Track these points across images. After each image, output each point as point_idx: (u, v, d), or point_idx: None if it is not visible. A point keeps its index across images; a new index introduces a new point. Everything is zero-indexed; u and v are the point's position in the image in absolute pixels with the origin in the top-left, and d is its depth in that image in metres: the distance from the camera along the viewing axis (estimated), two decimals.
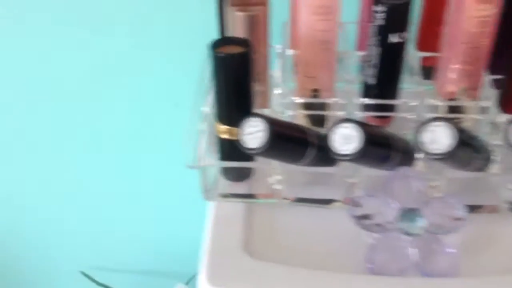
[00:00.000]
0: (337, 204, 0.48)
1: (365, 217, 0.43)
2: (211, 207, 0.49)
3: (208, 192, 0.48)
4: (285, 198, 0.48)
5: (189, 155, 0.46)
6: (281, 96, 0.50)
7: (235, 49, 0.42)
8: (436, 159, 0.40)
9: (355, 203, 0.43)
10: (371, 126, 0.40)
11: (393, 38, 0.45)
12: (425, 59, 0.54)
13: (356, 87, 0.51)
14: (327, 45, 0.46)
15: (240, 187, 0.49)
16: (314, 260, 0.44)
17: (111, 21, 0.65)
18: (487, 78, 0.50)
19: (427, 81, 0.52)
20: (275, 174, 0.46)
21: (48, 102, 0.73)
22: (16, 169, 0.81)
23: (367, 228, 0.43)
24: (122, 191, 0.83)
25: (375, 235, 0.43)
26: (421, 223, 0.42)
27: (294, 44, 0.55)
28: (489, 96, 0.50)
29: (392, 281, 0.42)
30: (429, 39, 0.55)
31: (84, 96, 0.72)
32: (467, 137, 0.41)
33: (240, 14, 0.45)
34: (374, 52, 0.47)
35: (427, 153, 0.40)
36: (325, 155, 0.45)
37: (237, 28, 0.46)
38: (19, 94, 0.72)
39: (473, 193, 0.48)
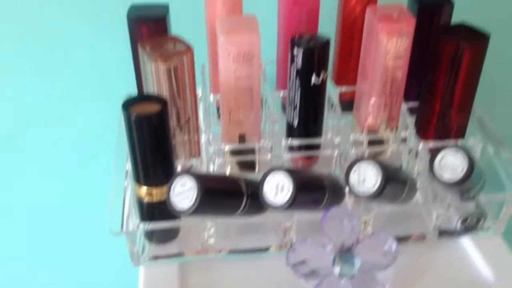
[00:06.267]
0: (272, 250, 0.47)
1: (301, 263, 0.42)
2: (141, 274, 0.46)
3: (136, 257, 0.45)
4: (220, 252, 0.46)
5: (114, 220, 0.43)
6: (209, 143, 0.48)
7: (151, 107, 0.40)
8: (365, 199, 0.40)
9: (291, 249, 0.43)
10: (300, 170, 0.39)
11: (313, 80, 0.45)
12: (342, 92, 0.55)
13: (281, 126, 0.50)
14: (250, 90, 0.45)
15: (169, 248, 0.47)
16: None
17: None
18: (403, 106, 0.51)
19: (346, 114, 0.53)
20: (206, 229, 0.44)
21: None
22: None
23: (304, 275, 0.42)
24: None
25: (313, 282, 0.43)
26: (356, 263, 0.42)
27: (215, 88, 0.54)
28: (407, 124, 0.51)
29: None
30: (345, 73, 0.56)
31: None
32: (393, 172, 0.42)
33: (161, 67, 0.42)
34: (295, 94, 0.46)
35: (357, 195, 0.40)
36: (257, 202, 0.44)
37: (159, 80, 0.43)
38: None
39: (400, 224, 0.49)
